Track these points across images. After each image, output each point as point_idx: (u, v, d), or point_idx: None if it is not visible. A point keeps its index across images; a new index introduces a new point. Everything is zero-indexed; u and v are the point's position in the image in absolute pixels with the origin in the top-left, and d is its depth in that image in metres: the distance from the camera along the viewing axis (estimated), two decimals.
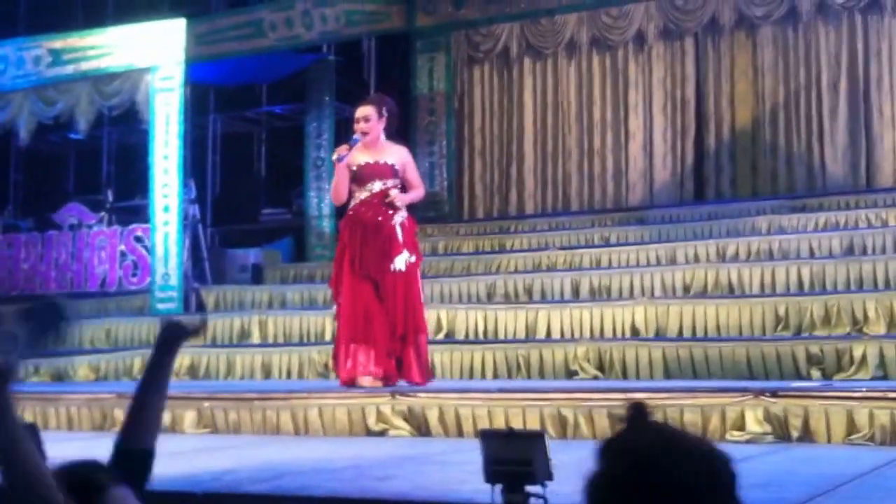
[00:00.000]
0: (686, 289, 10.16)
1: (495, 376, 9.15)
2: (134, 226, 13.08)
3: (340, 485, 4.99)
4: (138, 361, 10.40)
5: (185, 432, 7.67)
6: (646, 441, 1.75)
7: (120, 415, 7.26)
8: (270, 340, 10.95)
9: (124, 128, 14.81)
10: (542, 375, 8.98)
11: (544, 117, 14.60)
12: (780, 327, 8.86)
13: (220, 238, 14.84)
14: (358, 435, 7.27)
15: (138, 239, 12.91)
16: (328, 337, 9.64)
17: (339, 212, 8.93)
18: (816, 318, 8.76)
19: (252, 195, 15.89)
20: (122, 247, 13.04)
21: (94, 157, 16.08)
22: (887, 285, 9.36)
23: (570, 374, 8.85)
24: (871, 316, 8.60)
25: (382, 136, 8.07)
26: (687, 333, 9.13)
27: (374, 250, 7.91)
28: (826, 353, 8.00)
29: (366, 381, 7.78)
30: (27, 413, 8.24)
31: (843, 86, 12.97)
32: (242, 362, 10.28)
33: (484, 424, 6.71)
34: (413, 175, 8.22)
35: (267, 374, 10.14)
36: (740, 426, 6.29)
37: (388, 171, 8.01)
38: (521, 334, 9.82)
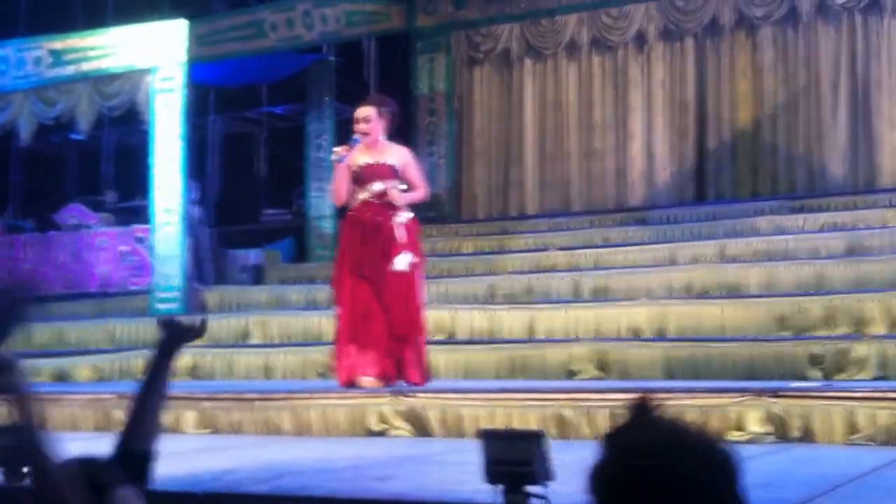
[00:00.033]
0: (687, 289, 10.16)
1: (496, 377, 9.15)
2: (135, 226, 13.10)
3: (340, 485, 4.99)
4: (140, 362, 10.39)
5: (185, 432, 7.68)
6: (648, 434, 1.75)
7: (121, 415, 7.26)
8: (271, 341, 10.95)
9: (125, 128, 14.82)
10: (542, 376, 8.98)
11: (544, 118, 14.61)
12: (780, 328, 8.85)
13: (220, 238, 14.85)
14: (358, 435, 7.27)
15: (139, 239, 12.92)
16: (329, 337, 9.63)
17: (340, 212, 8.94)
18: (817, 319, 8.76)
19: (253, 196, 15.91)
20: (124, 247, 13.05)
21: (95, 158, 16.09)
22: (888, 286, 9.35)
23: (571, 375, 8.85)
24: (872, 316, 8.60)
25: (382, 137, 8.07)
26: (687, 334, 9.12)
27: (373, 251, 7.91)
28: (827, 354, 7.99)
29: (366, 381, 7.78)
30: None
31: (844, 86, 12.97)
32: (243, 362, 10.28)
33: (484, 425, 6.71)
34: (415, 175, 8.20)
35: (268, 374, 10.13)
36: (741, 426, 6.29)
37: (389, 172, 8.01)
38: (522, 335, 9.82)
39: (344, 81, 14.64)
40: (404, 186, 8.11)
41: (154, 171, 12.50)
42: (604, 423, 6.52)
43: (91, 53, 12.92)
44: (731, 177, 13.49)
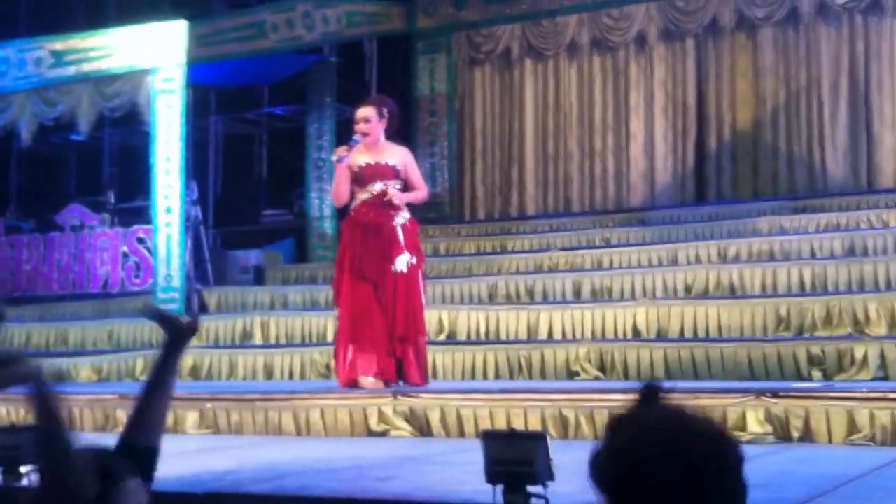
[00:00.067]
0: (687, 290, 10.17)
1: (497, 377, 9.16)
2: (136, 227, 13.09)
3: (341, 485, 5.00)
4: (140, 362, 10.42)
5: (187, 433, 7.69)
6: (654, 418, 1.76)
7: (122, 416, 7.28)
8: (272, 341, 10.96)
9: (125, 129, 14.81)
10: (543, 376, 8.99)
11: (545, 118, 14.61)
12: (781, 328, 8.87)
13: (221, 239, 14.85)
14: (359, 435, 7.28)
15: (140, 240, 12.92)
16: (330, 338, 9.65)
17: (341, 213, 8.94)
18: (817, 319, 8.78)
19: (253, 196, 15.91)
20: (125, 248, 13.05)
21: (96, 159, 16.09)
22: (888, 286, 9.37)
23: (572, 375, 8.86)
24: (872, 317, 8.61)
25: (382, 137, 8.07)
26: (688, 334, 9.14)
27: (374, 251, 7.91)
28: (827, 354, 8.00)
29: (367, 381, 7.78)
30: (30, 414, 8.25)
31: (844, 87, 12.98)
32: (244, 363, 10.29)
33: (485, 425, 6.73)
34: (415, 176, 8.21)
35: (269, 374, 10.15)
36: (741, 427, 6.30)
37: (390, 172, 8.01)
38: (523, 335, 9.83)
39: (344, 82, 14.64)
40: (400, 186, 8.11)
41: (155, 171, 12.51)
42: (604, 424, 6.53)
43: (92, 54, 12.92)
44: (732, 177, 13.49)
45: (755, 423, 6.31)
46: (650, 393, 1.80)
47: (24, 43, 13.54)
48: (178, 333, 2.76)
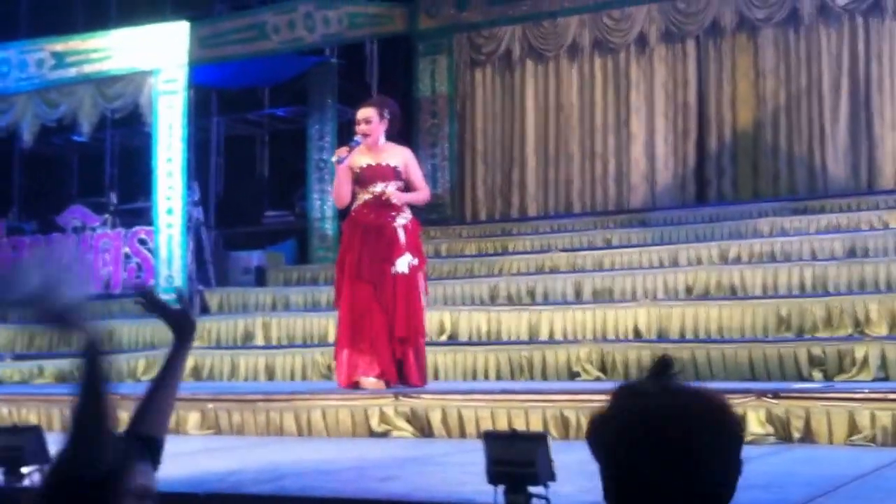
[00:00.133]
0: (688, 290, 10.17)
1: (498, 378, 9.17)
2: (137, 228, 13.11)
3: (342, 486, 5.01)
4: (142, 363, 10.43)
5: (188, 433, 7.70)
6: (658, 387, 1.77)
7: (123, 416, 7.27)
8: (274, 342, 10.97)
9: (127, 130, 14.83)
10: (544, 377, 9.00)
11: (546, 119, 14.61)
12: (781, 329, 8.87)
13: (223, 240, 14.85)
14: (361, 436, 7.29)
15: (142, 241, 12.94)
16: (331, 339, 9.66)
17: (342, 214, 8.95)
18: (818, 320, 8.78)
19: (255, 197, 15.91)
20: (126, 249, 13.07)
21: (98, 160, 16.09)
22: (889, 287, 9.37)
23: (573, 376, 8.87)
24: (873, 317, 8.62)
25: (383, 138, 8.08)
26: (689, 335, 9.15)
27: (374, 252, 7.91)
28: (828, 355, 8.01)
29: (368, 382, 7.79)
30: (31, 414, 8.27)
31: (845, 88, 12.98)
32: (246, 364, 10.30)
33: (487, 426, 6.74)
34: (416, 176, 8.21)
35: (270, 375, 10.16)
36: (742, 427, 6.30)
37: (390, 173, 8.02)
38: (524, 336, 9.84)
39: (346, 83, 14.64)
40: (401, 186, 8.12)
41: (156, 172, 12.53)
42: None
43: (93, 55, 12.94)
44: (732, 178, 13.49)
45: (756, 424, 6.32)
46: (663, 366, 1.81)
47: (25, 44, 13.56)
48: (179, 328, 2.78)
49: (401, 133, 8.62)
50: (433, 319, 9.79)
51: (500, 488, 4.03)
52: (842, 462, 5.53)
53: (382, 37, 15.19)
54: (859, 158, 12.84)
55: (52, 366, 11.23)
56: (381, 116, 8.03)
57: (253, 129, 16.43)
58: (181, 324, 2.78)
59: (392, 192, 7.99)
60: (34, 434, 5.07)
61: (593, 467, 1.81)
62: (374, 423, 7.29)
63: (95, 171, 16.08)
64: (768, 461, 5.52)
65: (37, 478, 4.83)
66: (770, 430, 6.31)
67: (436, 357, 9.25)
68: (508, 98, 14.89)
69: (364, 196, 8.01)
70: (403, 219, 8.03)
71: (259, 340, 11.05)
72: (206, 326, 11.38)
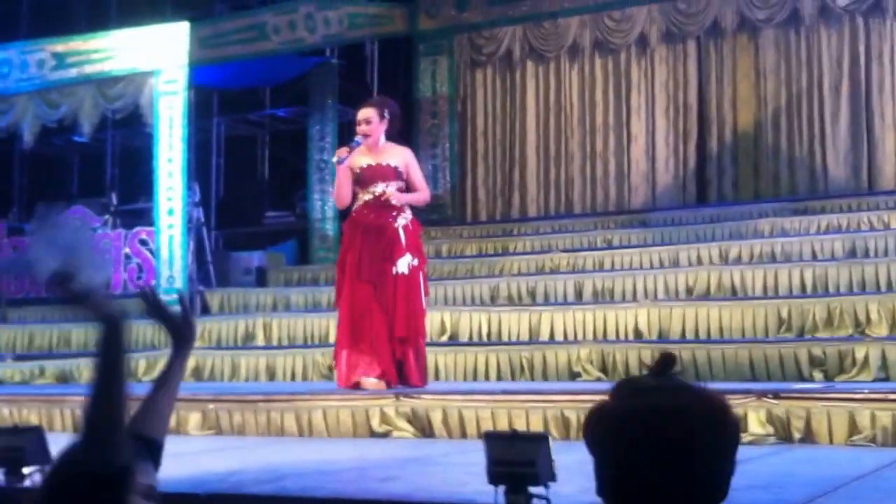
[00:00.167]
0: (689, 291, 10.18)
1: (499, 378, 9.17)
2: (138, 228, 13.11)
3: (343, 486, 5.02)
4: (143, 364, 10.42)
5: (189, 434, 7.70)
6: (659, 385, 1.77)
7: (125, 416, 7.26)
8: (275, 342, 10.98)
9: (128, 131, 14.83)
10: (545, 377, 9.01)
11: (547, 120, 14.62)
12: (782, 329, 8.88)
13: (223, 241, 14.86)
14: (361, 437, 7.29)
15: (143, 242, 12.94)
16: (332, 339, 9.67)
17: (343, 214, 8.95)
18: (819, 320, 8.79)
19: (255, 198, 15.92)
20: (127, 249, 13.07)
21: (98, 160, 16.10)
22: (889, 287, 9.38)
23: (574, 376, 8.87)
24: (873, 318, 8.63)
25: (384, 139, 8.08)
26: (689, 335, 9.16)
27: (375, 253, 7.91)
28: (828, 355, 8.02)
29: (369, 382, 7.79)
30: (32, 415, 8.28)
31: (845, 89, 12.99)
32: (247, 364, 10.30)
33: (487, 426, 6.74)
34: (417, 177, 8.20)
35: (271, 375, 10.16)
36: (743, 428, 6.30)
37: (391, 173, 8.01)
38: (525, 336, 9.84)
39: (346, 84, 14.65)
40: (402, 186, 8.11)
41: (157, 173, 12.54)
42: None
43: (94, 56, 12.95)
44: (733, 179, 13.50)
45: (756, 424, 6.32)
46: (665, 364, 1.81)
47: (26, 45, 13.57)
48: (178, 334, 2.77)
49: (401, 133, 8.62)
50: (434, 320, 9.80)
51: (501, 488, 4.03)
52: (842, 462, 5.53)
53: (383, 37, 15.20)
54: (860, 159, 12.85)
55: (52, 366, 11.24)
56: (382, 117, 8.03)
57: (253, 129, 16.44)
58: (181, 330, 2.78)
59: (392, 192, 7.98)
60: (35, 434, 5.07)
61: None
62: (375, 424, 7.29)
63: (96, 171, 16.09)
64: (769, 461, 5.52)
65: (38, 478, 4.84)
66: (770, 430, 6.32)
67: (436, 357, 9.25)
68: (509, 98, 14.90)
69: (365, 196, 8.01)
70: (404, 219, 8.03)
71: (260, 341, 11.06)
72: (207, 327, 11.39)
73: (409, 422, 7.24)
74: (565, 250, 12.13)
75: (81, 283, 2.31)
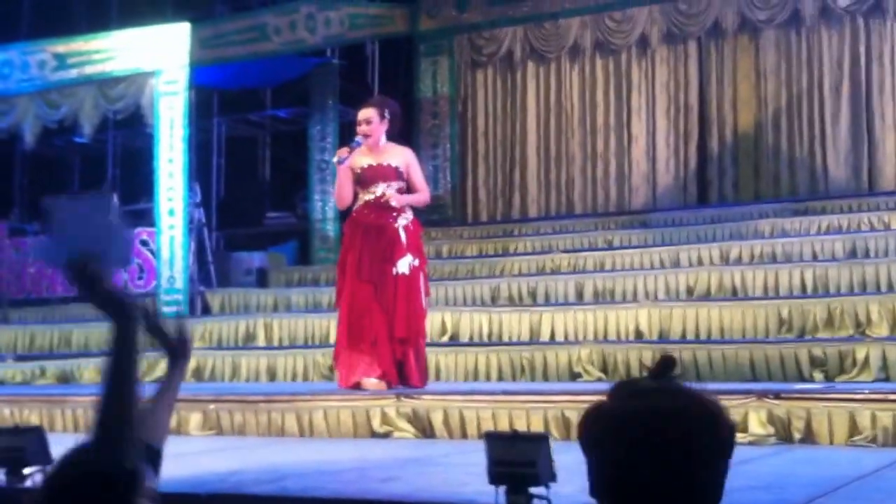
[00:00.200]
0: (689, 291, 10.18)
1: (499, 378, 9.18)
2: (139, 229, 13.11)
3: (343, 486, 5.02)
4: (144, 364, 10.41)
5: (190, 434, 7.70)
6: (656, 385, 1.78)
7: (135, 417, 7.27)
8: (275, 343, 10.99)
9: (129, 131, 14.84)
10: (545, 378, 9.01)
11: (547, 121, 14.62)
12: (783, 330, 8.88)
13: (224, 241, 14.87)
14: (362, 437, 7.29)
15: (144, 242, 12.94)
16: (333, 339, 9.68)
17: (343, 215, 8.95)
18: (819, 321, 8.79)
19: (256, 198, 15.92)
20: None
21: (99, 161, 16.12)
22: (890, 288, 9.39)
23: (574, 377, 8.88)
24: (874, 318, 8.63)
25: (384, 139, 8.07)
26: (690, 336, 9.16)
27: (375, 253, 7.91)
28: (829, 356, 8.02)
29: (370, 383, 7.79)
30: (33, 415, 8.28)
31: (846, 89, 12.99)
32: (247, 365, 10.31)
33: (488, 426, 6.74)
34: (417, 177, 8.19)
35: (272, 376, 10.17)
36: (743, 428, 6.31)
37: (392, 173, 8.01)
38: (525, 337, 9.84)
39: (347, 84, 14.65)
40: (403, 186, 8.11)
41: (158, 173, 12.54)
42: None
43: (95, 57, 12.95)
44: (734, 179, 13.50)
45: (757, 425, 6.33)
46: (665, 366, 1.82)
47: (26, 45, 13.57)
48: (173, 354, 2.77)
49: (402, 134, 8.62)
50: (434, 320, 9.80)
51: (502, 489, 4.04)
52: (842, 463, 5.54)
53: (383, 38, 15.20)
54: (860, 160, 12.85)
55: (53, 367, 11.24)
56: (382, 117, 8.02)
57: (254, 130, 16.45)
58: (176, 349, 2.78)
59: (392, 194, 7.98)
60: (36, 435, 5.08)
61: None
62: (376, 424, 7.29)
63: (97, 172, 16.10)
64: (769, 462, 5.53)
65: (38, 478, 4.84)
66: (771, 430, 6.32)
67: (437, 358, 9.26)
68: (510, 99, 14.90)
69: (365, 196, 8.01)
70: (405, 219, 8.03)
71: (260, 341, 11.06)
72: (208, 327, 11.41)
73: (410, 422, 7.24)
74: (566, 251, 12.13)
75: (100, 269, 2.31)
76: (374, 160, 7.98)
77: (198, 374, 10.35)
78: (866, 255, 10.31)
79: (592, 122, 14.33)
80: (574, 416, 6.72)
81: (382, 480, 5.16)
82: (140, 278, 12.95)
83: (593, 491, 1.78)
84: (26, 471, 4.94)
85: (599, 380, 8.69)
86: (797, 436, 6.28)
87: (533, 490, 4.01)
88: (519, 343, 9.68)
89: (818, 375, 7.95)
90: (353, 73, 15.14)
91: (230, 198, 15.78)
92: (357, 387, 7.79)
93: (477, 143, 15.01)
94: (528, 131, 14.70)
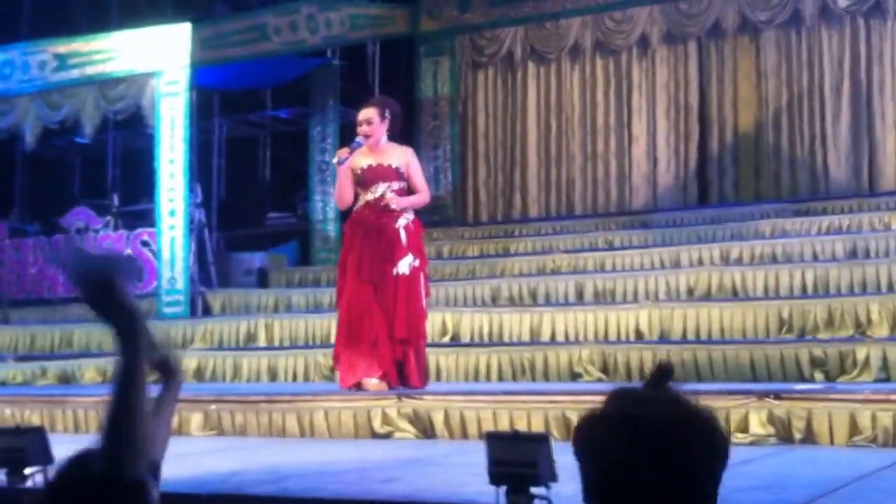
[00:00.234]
0: (690, 292, 10.18)
1: (500, 379, 9.18)
2: (140, 230, 13.12)
3: (344, 487, 5.02)
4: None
5: (191, 434, 7.71)
6: (650, 394, 1.78)
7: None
8: (276, 343, 10.99)
9: (130, 132, 14.84)
10: (546, 378, 9.01)
11: (548, 121, 14.63)
12: (783, 330, 8.88)
13: (225, 242, 14.87)
14: (363, 437, 7.30)
15: (145, 243, 12.95)
16: (333, 340, 9.68)
17: (344, 215, 8.95)
18: (820, 321, 8.79)
19: (257, 199, 15.93)
20: (129, 251, 13.07)
21: (100, 162, 16.12)
22: (890, 288, 9.39)
23: (575, 377, 8.88)
24: (874, 319, 8.63)
25: (385, 139, 8.07)
26: (691, 336, 9.16)
27: (376, 253, 7.90)
28: (829, 356, 8.02)
29: (371, 384, 7.79)
30: (34, 415, 8.29)
31: (846, 90, 12.99)
32: (248, 365, 10.32)
33: (489, 427, 6.74)
34: (417, 178, 8.17)
35: (273, 376, 10.17)
36: (744, 428, 6.32)
37: (392, 174, 8.01)
38: (526, 337, 9.85)
39: (348, 85, 14.65)
40: (403, 186, 8.10)
41: (159, 174, 12.55)
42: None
43: (95, 57, 12.96)
44: (734, 180, 13.51)
45: (757, 425, 6.33)
46: (662, 372, 1.82)
47: (27, 46, 13.58)
48: (163, 374, 2.76)
49: (402, 134, 8.61)
50: (435, 321, 9.81)
51: (502, 489, 4.04)
52: (843, 463, 5.54)
53: (384, 38, 15.20)
54: (861, 160, 12.86)
55: (54, 367, 11.25)
56: (382, 117, 8.02)
57: (255, 130, 16.45)
58: (166, 374, 2.77)
59: (391, 197, 7.95)
60: (37, 435, 5.08)
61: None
62: (377, 425, 7.29)
63: (98, 172, 16.10)
64: (769, 462, 5.53)
65: (39, 479, 4.85)
66: (771, 430, 6.32)
67: (438, 358, 9.27)
68: (510, 99, 14.91)
69: (366, 197, 8.01)
70: (405, 219, 8.02)
71: (261, 342, 11.07)
72: (209, 328, 11.42)
73: (411, 423, 7.24)
74: (566, 251, 12.14)
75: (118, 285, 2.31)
76: (374, 160, 7.98)
77: (199, 374, 10.36)
78: (867, 255, 10.31)
79: (593, 123, 14.34)
80: (575, 417, 6.72)
81: (383, 481, 5.16)
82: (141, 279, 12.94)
83: (587, 497, 1.78)
84: (27, 471, 4.94)
85: (600, 380, 8.70)
86: (797, 436, 6.28)
87: (534, 490, 4.01)
88: (520, 343, 9.68)
89: (818, 376, 7.95)
90: (354, 74, 15.14)
91: (231, 198, 15.78)
92: (358, 387, 7.79)
93: (477, 144, 15.02)
94: (528, 132, 14.70)
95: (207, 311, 12.47)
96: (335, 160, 8.06)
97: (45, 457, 4.90)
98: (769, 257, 10.76)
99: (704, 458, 1.74)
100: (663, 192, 13.83)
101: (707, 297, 9.97)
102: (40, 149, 14.68)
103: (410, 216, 8.07)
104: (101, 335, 11.93)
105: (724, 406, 6.41)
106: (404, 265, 7.91)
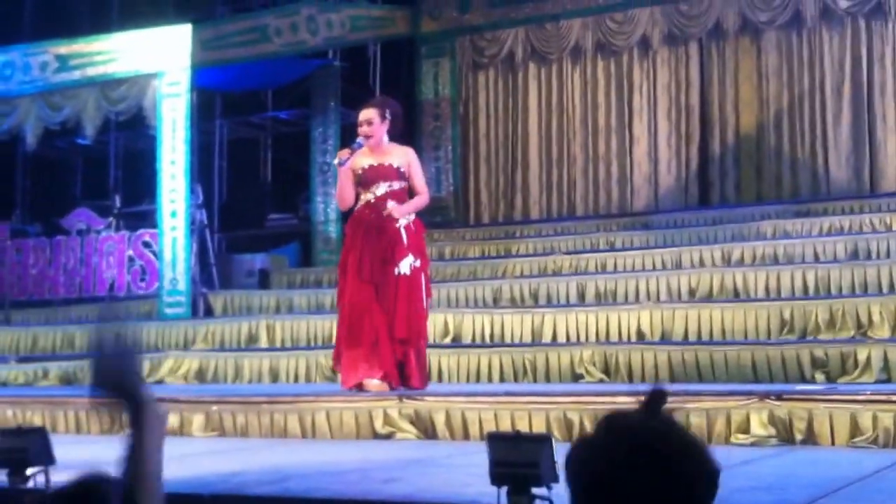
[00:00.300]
0: (691, 293, 10.19)
1: (501, 380, 9.19)
2: (142, 231, 13.13)
3: (345, 487, 5.03)
4: (147, 365, 10.45)
5: (193, 435, 7.71)
6: (643, 420, 1.78)
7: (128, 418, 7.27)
8: (278, 344, 11.00)
9: (131, 133, 14.84)
10: (548, 379, 9.02)
11: (549, 122, 14.64)
12: (784, 331, 8.89)
13: (226, 243, 14.88)
14: (365, 438, 7.30)
15: (146, 244, 12.96)
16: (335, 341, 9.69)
17: (345, 216, 8.95)
18: (821, 322, 8.80)
19: (258, 200, 15.93)
20: (131, 252, 13.09)
21: (102, 163, 16.12)
22: (891, 289, 9.39)
23: (576, 378, 8.89)
24: (876, 319, 8.63)
25: (386, 139, 8.07)
26: (692, 337, 9.16)
27: (376, 253, 7.90)
28: (830, 357, 8.03)
29: (372, 384, 7.79)
30: (36, 416, 8.29)
31: (847, 91, 13.00)
32: (250, 366, 10.32)
33: (490, 428, 6.74)
34: (418, 178, 8.15)
35: (274, 377, 10.18)
36: (745, 429, 6.32)
37: (393, 174, 8.01)
38: (528, 338, 9.85)
39: (349, 86, 14.66)
40: (404, 186, 8.09)
41: (160, 175, 12.56)
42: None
43: (97, 58, 12.97)
44: (735, 181, 13.51)
45: (758, 426, 6.33)
46: (655, 398, 1.81)
47: (28, 47, 13.59)
48: (133, 414, 2.54)
49: (403, 135, 8.61)
50: (437, 321, 9.82)
51: (504, 490, 4.04)
52: (843, 464, 5.54)
53: (385, 39, 15.21)
54: (862, 161, 12.86)
55: (56, 368, 11.26)
56: (383, 117, 8.02)
57: (256, 131, 16.46)
58: (136, 414, 2.53)
59: (393, 207, 7.93)
60: (39, 436, 5.08)
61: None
62: (378, 425, 7.30)
63: (99, 173, 16.11)
64: (770, 463, 5.54)
65: (41, 479, 4.86)
66: (772, 431, 6.32)
67: (439, 359, 9.27)
68: (511, 100, 14.92)
69: (367, 197, 8.01)
70: (406, 219, 8.02)
71: (263, 343, 11.07)
72: (211, 329, 11.43)
73: (412, 423, 7.24)
74: (568, 252, 12.15)
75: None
76: (375, 160, 7.98)
77: (200, 375, 10.37)
78: (868, 256, 10.32)
79: (594, 124, 14.34)
80: (576, 417, 6.73)
81: (385, 481, 5.17)
82: (142, 280, 12.97)
83: None
84: (29, 471, 4.95)
85: (601, 381, 8.71)
86: (798, 437, 6.28)
87: (535, 491, 4.01)
88: (521, 344, 9.69)
89: (820, 377, 7.96)
90: (355, 75, 15.14)
91: (232, 199, 15.79)
92: (359, 388, 7.78)
93: (479, 145, 15.02)
94: (529, 133, 14.71)
95: (209, 313, 12.48)
96: (336, 161, 8.06)
97: (46, 457, 4.91)
98: (770, 258, 10.76)
99: (696, 486, 1.74)
100: (664, 194, 13.84)
101: (708, 297, 9.98)
102: (42, 150, 14.69)
103: (412, 216, 8.07)
104: None
105: (726, 407, 6.42)
106: (405, 265, 7.91)
